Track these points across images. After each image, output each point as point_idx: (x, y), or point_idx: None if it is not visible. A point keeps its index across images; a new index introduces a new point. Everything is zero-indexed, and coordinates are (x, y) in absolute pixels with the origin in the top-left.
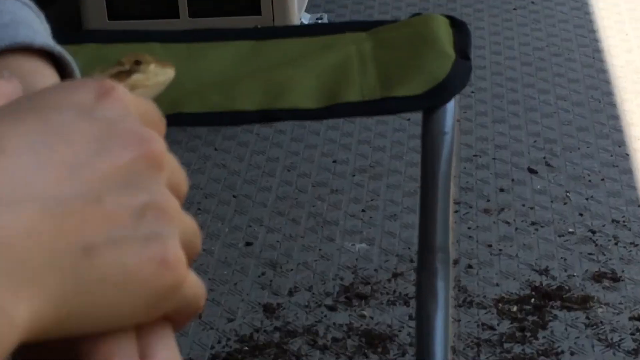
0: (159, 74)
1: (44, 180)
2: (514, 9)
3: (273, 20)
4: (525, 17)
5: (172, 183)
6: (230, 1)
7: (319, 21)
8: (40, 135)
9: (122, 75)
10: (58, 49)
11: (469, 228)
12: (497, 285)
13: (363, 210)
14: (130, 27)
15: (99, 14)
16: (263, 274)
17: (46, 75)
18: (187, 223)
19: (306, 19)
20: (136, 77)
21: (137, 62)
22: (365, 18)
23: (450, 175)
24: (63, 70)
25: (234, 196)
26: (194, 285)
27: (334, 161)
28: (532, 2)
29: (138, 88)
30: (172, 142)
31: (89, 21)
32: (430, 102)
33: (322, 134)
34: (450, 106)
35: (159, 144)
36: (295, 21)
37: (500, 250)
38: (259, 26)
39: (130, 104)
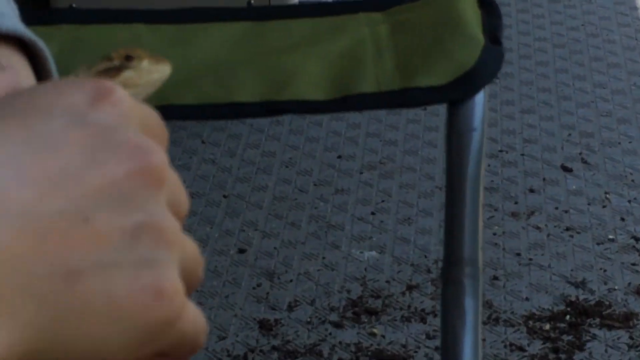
0: (152, 71)
1: (24, 195)
2: None
3: None
4: None
5: (171, 202)
6: None
7: None
8: (24, 145)
9: (111, 72)
10: (29, 34)
11: (494, 234)
12: (527, 299)
13: (372, 213)
14: (108, 3)
15: None
16: (259, 285)
17: (17, 66)
18: (188, 248)
19: None
20: (127, 75)
21: (128, 58)
22: None
23: (479, 177)
24: (35, 59)
25: (225, 196)
26: (193, 319)
27: (339, 156)
28: None
29: (129, 87)
30: None
31: None
32: (456, 94)
33: (325, 125)
34: (479, 99)
35: (160, 157)
36: None
37: (530, 259)
38: (252, 2)
39: (130, 109)
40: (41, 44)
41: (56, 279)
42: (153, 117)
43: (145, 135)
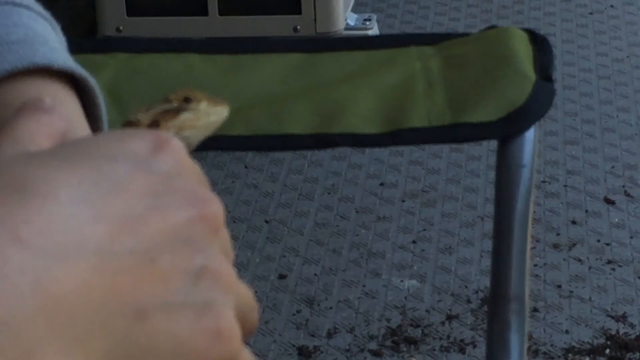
0: (210, 114)
1: (98, 233)
2: (590, 13)
3: (315, 20)
4: (603, 23)
5: (223, 248)
6: None
7: (367, 22)
8: (95, 186)
9: (169, 114)
10: (80, 70)
11: (535, 265)
12: (567, 332)
13: (414, 242)
14: (152, 24)
15: (117, 9)
16: (298, 311)
17: (68, 104)
18: (244, 293)
19: (352, 19)
20: (185, 117)
21: (187, 100)
22: (419, 20)
23: (528, 214)
24: (84, 93)
25: (267, 221)
26: None
27: (381, 184)
28: (612, 6)
29: (187, 129)
30: (196, 157)
31: (104, 17)
32: (507, 130)
33: (368, 152)
34: (530, 135)
35: (217, 206)
36: (341, 22)
37: (570, 292)
38: (298, 27)
39: (185, 158)
40: (92, 80)
41: (127, 316)
42: (197, 166)
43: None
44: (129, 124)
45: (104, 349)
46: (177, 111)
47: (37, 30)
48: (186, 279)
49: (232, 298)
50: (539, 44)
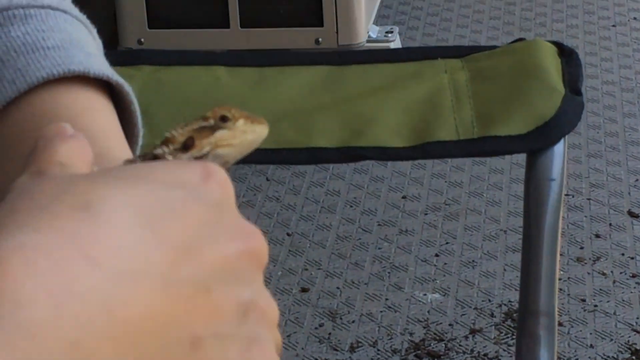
0: (247, 132)
1: (161, 258)
2: (613, 25)
3: (337, 32)
4: (626, 36)
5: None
6: (287, 10)
7: (389, 35)
8: (155, 211)
9: (204, 131)
10: (116, 77)
11: (559, 279)
12: (591, 346)
13: (436, 255)
14: (173, 37)
15: (138, 21)
16: (321, 325)
17: (104, 112)
18: (278, 334)
19: (374, 32)
20: (220, 134)
21: (223, 118)
22: (440, 32)
23: (557, 228)
24: (119, 99)
25: (289, 234)
26: None
27: (404, 197)
28: (635, 18)
29: (222, 147)
30: None
31: (126, 29)
32: (536, 144)
33: (390, 165)
34: (559, 149)
35: (262, 241)
36: (363, 35)
37: (595, 306)
38: (320, 39)
39: (231, 188)
40: (127, 87)
41: (184, 344)
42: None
43: None
44: (165, 140)
45: None
46: (213, 129)
47: (74, 35)
48: (237, 312)
49: (273, 334)
50: (567, 56)
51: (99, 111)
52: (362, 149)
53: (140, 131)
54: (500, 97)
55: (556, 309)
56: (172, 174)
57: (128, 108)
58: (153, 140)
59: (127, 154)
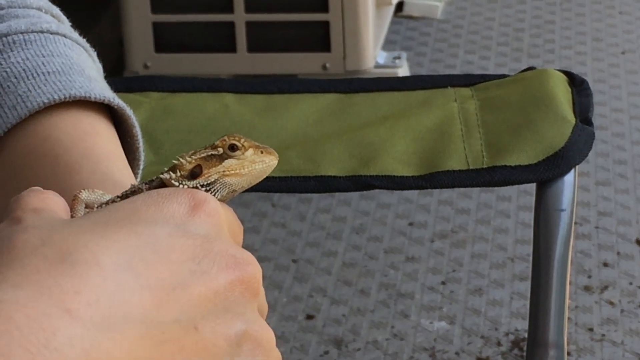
0: (256, 162)
1: (143, 302)
2: (622, 52)
3: (344, 58)
4: (635, 63)
5: (260, 307)
6: (294, 35)
7: (397, 60)
8: (137, 252)
9: (213, 160)
10: (117, 101)
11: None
12: None
13: (443, 283)
14: (180, 61)
15: (145, 45)
16: (326, 352)
17: (106, 135)
18: (278, 354)
19: (382, 57)
20: (229, 164)
21: (233, 147)
22: (448, 58)
23: (567, 259)
24: (120, 122)
25: (294, 261)
26: None
27: (410, 224)
28: None
29: (230, 176)
30: None
31: (132, 53)
32: (545, 174)
33: (397, 191)
34: (569, 179)
35: (255, 268)
36: (370, 60)
37: (602, 335)
38: (327, 65)
39: (222, 218)
40: (129, 110)
41: None
42: (235, 219)
43: (231, 237)
44: (173, 167)
45: None
46: (221, 157)
47: (74, 59)
48: (228, 345)
49: (274, 357)
50: (578, 86)
51: (100, 135)
52: (371, 178)
53: (142, 154)
54: (510, 127)
55: (565, 341)
56: (157, 209)
57: (130, 131)
58: (160, 168)
59: (130, 177)
